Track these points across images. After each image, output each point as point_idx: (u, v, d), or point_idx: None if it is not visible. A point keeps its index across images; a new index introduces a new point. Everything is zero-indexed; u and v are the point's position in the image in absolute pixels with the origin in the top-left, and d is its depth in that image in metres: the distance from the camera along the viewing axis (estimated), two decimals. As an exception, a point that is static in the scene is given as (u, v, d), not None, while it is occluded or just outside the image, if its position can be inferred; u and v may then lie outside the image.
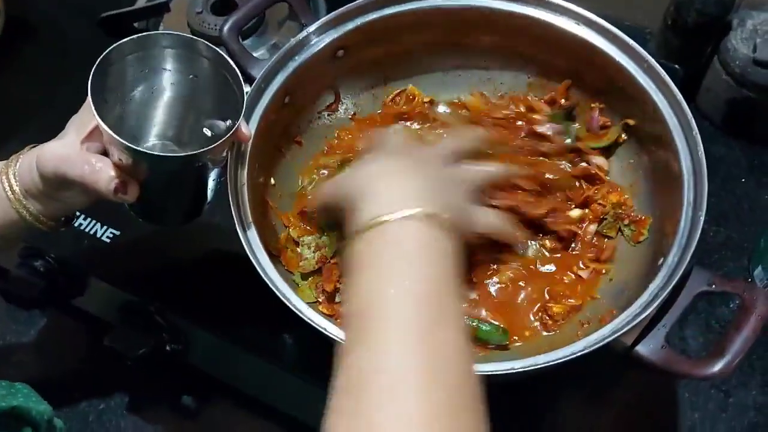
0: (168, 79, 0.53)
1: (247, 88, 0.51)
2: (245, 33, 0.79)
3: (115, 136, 0.47)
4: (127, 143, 0.47)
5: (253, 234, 0.53)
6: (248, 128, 0.55)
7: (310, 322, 0.49)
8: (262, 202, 0.60)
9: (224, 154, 0.54)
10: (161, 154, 0.53)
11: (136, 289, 0.67)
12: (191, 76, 0.53)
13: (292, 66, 0.60)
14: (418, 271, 0.41)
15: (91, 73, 0.48)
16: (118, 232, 0.69)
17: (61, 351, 0.76)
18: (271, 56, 0.61)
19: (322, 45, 0.61)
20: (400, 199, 0.44)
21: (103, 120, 0.47)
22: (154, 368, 0.67)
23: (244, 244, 0.53)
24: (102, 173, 0.49)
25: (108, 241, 0.69)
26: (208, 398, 0.71)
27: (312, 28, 0.61)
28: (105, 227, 0.70)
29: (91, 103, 0.47)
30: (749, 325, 0.46)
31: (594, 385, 0.63)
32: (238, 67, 0.50)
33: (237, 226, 0.53)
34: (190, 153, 0.49)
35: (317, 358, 0.61)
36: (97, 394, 0.72)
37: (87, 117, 0.50)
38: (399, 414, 0.34)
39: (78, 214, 0.70)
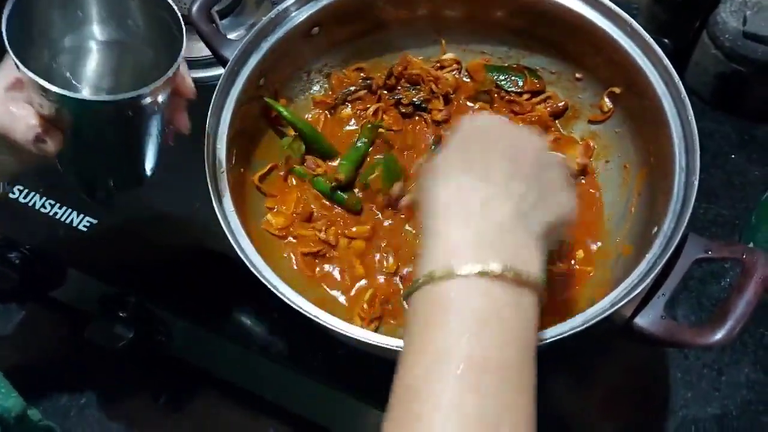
0: (100, 25, 0.48)
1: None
2: (222, 13, 0.77)
3: (30, 73, 0.41)
4: (44, 82, 0.41)
5: (234, 220, 0.52)
6: (189, 78, 0.48)
7: (296, 307, 0.48)
8: (241, 186, 0.59)
9: (161, 101, 0.46)
10: (86, 97, 0.47)
11: (116, 280, 0.65)
12: (128, 21, 0.48)
13: (265, 46, 0.58)
14: (483, 351, 0.34)
15: (5, 12, 0.42)
16: (95, 221, 0.67)
17: (40, 344, 0.74)
18: (249, 34, 0.59)
19: (296, 22, 0.60)
20: (468, 245, 0.36)
21: (27, 67, 0.41)
22: (135, 360, 0.65)
23: (226, 231, 0.51)
24: (21, 120, 0.43)
25: (85, 230, 0.67)
26: (192, 389, 0.70)
27: (284, 5, 0.59)
28: (81, 216, 0.68)
29: (6, 41, 0.42)
30: (751, 289, 0.45)
31: (585, 364, 0.62)
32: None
33: (217, 212, 0.52)
34: (118, 97, 0.43)
35: (302, 345, 0.61)
36: (78, 388, 0.70)
37: (11, 67, 0.45)
38: None
39: (52, 202, 0.68)
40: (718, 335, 0.44)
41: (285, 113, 0.62)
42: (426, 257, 0.37)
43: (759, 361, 0.63)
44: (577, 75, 0.65)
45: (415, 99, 0.66)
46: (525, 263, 0.36)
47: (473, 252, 0.36)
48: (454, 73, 0.67)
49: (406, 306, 0.38)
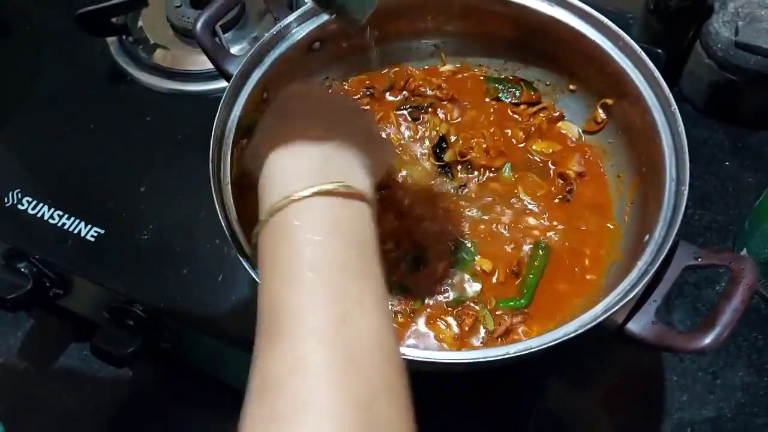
0: None
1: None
2: (225, 26, 0.78)
3: None
4: None
5: (239, 230, 0.53)
6: None
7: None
8: (245, 198, 0.60)
9: None
10: None
11: (123, 288, 0.66)
12: None
13: (268, 61, 0.60)
14: (325, 257, 0.38)
15: None
16: (102, 231, 0.69)
17: (48, 352, 0.75)
18: (252, 49, 0.61)
19: (298, 38, 0.61)
20: (296, 175, 0.41)
21: None
22: (142, 367, 0.66)
23: (230, 240, 0.52)
24: None
25: (92, 240, 0.68)
26: (199, 396, 0.71)
27: (286, 21, 0.60)
28: (89, 226, 0.69)
29: None
30: (738, 296, 0.46)
31: (581, 368, 0.63)
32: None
33: (222, 223, 0.53)
34: None
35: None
36: (85, 395, 0.71)
37: None
38: (322, 414, 0.33)
39: (60, 213, 0.70)
40: (706, 340, 0.45)
41: None
42: (264, 199, 0.42)
43: (753, 364, 0.64)
44: (571, 87, 0.66)
45: (421, 105, 0.67)
46: (350, 179, 0.41)
47: (304, 179, 0.41)
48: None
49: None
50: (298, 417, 0.33)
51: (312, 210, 0.40)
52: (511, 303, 0.58)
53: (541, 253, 0.60)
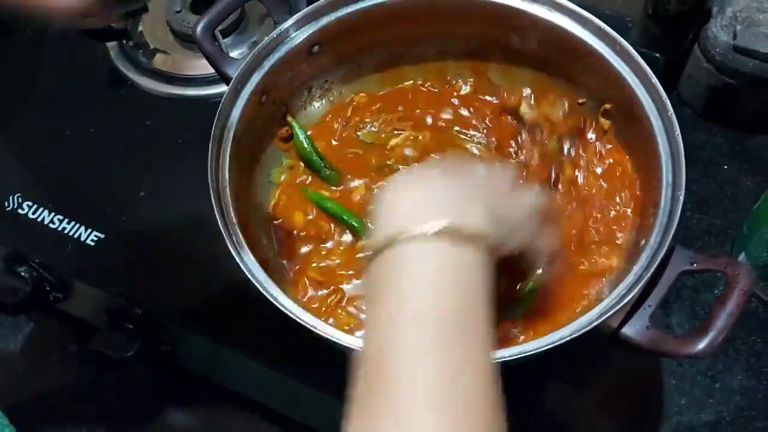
0: None
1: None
2: (226, 31, 0.79)
3: None
4: None
5: (237, 234, 0.53)
6: None
7: (299, 321, 0.49)
8: (244, 202, 0.60)
9: None
10: None
11: (122, 292, 0.67)
12: None
13: (267, 65, 0.60)
14: (436, 306, 0.36)
15: None
16: (102, 235, 0.69)
17: (48, 356, 0.75)
18: (251, 53, 0.61)
19: (297, 42, 0.61)
20: (413, 213, 0.38)
21: None
22: (142, 370, 0.67)
23: (229, 244, 0.52)
24: None
25: (92, 244, 0.69)
26: (198, 399, 0.71)
27: (285, 25, 0.61)
28: (89, 230, 0.69)
29: None
30: (733, 300, 0.46)
31: (580, 372, 0.63)
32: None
33: (221, 226, 0.53)
34: None
35: (307, 356, 0.62)
36: (85, 399, 0.72)
37: None
38: None
39: (61, 217, 0.70)
40: (701, 345, 0.45)
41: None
42: (372, 234, 0.40)
43: (752, 367, 0.64)
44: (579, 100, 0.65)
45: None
46: (467, 221, 0.38)
47: (415, 216, 0.38)
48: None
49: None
50: None
51: (430, 248, 0.37)
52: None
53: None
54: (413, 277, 0.37)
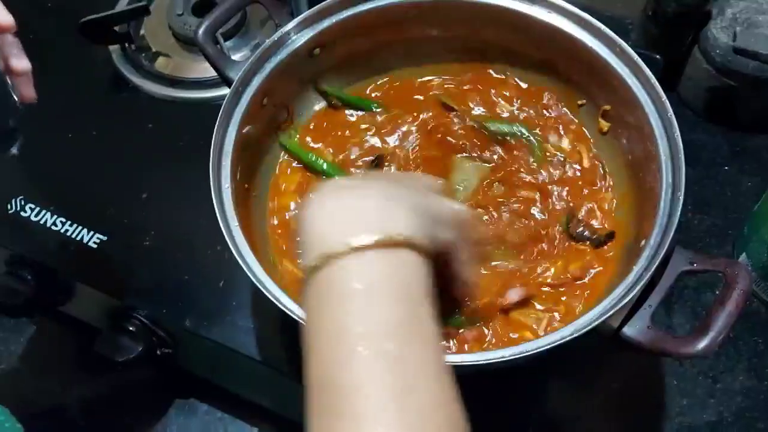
0: None
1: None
2: (227, 34, 0.79)
3: None
4: None
5: (239, 236, 0.53)
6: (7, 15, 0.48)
7: (300, 320, 0.49)
8: (245, 202, 0.60)
9: None
10: None
11: (124, 294, 0.67)
12: None
13: (268, 67, 0.60)
14: (380, 323, 0.35)
15: None
16: (105, 237, 0.69)
17: (50, 358, 0.76)
18: (253, 55, 0.61)
19: (298, 45, 0.61)
20: (342, 228, 0.38)
21: None
22: (143, 372, 0.67)
23: (230, 246, 0.52)
24: None
25: (95, 246, 0.69)
26: (200, 400, 0.71)
27: (286, 28, 0.61)
28: (92, 233, 0.69)
29: None
30: (732, 301, 0.47)
31: (581, 373, 0.63)
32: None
33: (222, 228, 0.53)
34: None
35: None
36: (86, 400, 0.72)
37: None
38: None
39: (63, 220, 0.70)
40: (700, 345, 0.45)
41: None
42: (304, 254, 0.38)
43: (753, 368, 0.64)
44: (579, 102, 0.66)
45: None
46: (396, 227, 0.38)
47: (344, 231, 0.37)
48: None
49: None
50: None
51: (363, 269, 0.36)
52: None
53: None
54: (355, 293, 0.36)
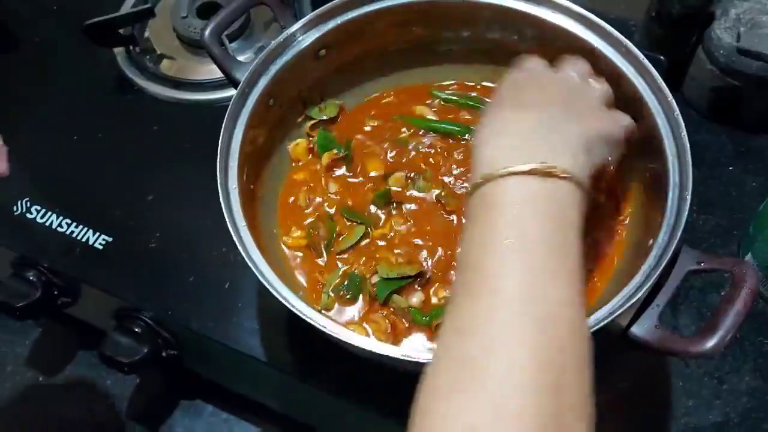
0: None
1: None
2: (232, 36, 0.79)
3: None
4: None
5: (247, 236, 0.53)
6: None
7: (309, 321, 0.49)
8: (252, 202, 0.61)
9: None
10: None
11: (130, 296, 0.67)
12: None
13: (273, 69, 0.60)
14: (528, 228, 0.39)
15: None
16: (110, 239, 0.69)
17: (55, 360, 0.76)
18: (258, 57, 0.61)
19: (303, 45, 0.62)
20: (509, 152, 0.42)
21: None
22: (149, 374, 0.67)
23: (238, 246, 0.52)
24: None
25: (101, 248, 0.69)
26: (205, 402, 0.71)
27: (292, 29, 0.61)
28: (97, 234, 0.69)
29: None
30: (740, 300, 0.47)
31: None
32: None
33: (230, 229, 0.53)
34: None
35: (314, 357, 0.62)
36: (93, 402, 0.72)
37: None
38: (510, 361, 0.35)
39: (69, 221, 0.70)
40: (709, 344, 0.45)
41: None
42: (476, 163, 0.44)
43: (759, 369, 0.64)
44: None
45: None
46: (556, 160, 0.42)
47: (511, 155, 0.42)
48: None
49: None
50: (492, 357, 0.35)
51: (519, 187, 0.41)
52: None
53: None
54: (511, 203, 0.40)
